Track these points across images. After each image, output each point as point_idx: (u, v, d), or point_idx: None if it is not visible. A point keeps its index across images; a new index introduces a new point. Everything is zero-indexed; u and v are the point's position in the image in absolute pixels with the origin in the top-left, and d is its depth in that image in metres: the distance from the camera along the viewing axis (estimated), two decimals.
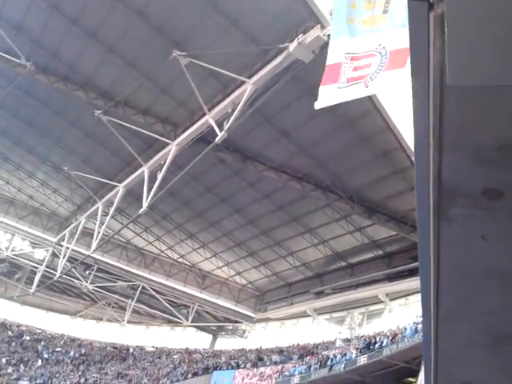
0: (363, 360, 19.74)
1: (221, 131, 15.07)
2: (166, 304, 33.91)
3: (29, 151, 25.98)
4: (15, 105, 22.23)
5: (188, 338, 37.35)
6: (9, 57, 17.27)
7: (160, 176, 18.40)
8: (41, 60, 17.68)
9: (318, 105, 6.60)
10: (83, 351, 35.70)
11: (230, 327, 36.34)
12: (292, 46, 13.08)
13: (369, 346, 20.97)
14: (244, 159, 20.04)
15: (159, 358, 35.03)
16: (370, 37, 6.21)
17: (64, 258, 28.16)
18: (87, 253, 26.24)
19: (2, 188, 31.29)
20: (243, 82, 15.06)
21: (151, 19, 15.36)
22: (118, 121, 18.53)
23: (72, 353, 35.18)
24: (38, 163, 26.90)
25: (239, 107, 14.75)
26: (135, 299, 33.94)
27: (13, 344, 34.37)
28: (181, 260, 32.97)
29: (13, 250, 33.01)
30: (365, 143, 17.84)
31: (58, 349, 35.49)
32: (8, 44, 16.57)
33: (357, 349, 21.52)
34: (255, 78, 14.68)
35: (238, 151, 19.51)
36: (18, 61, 17.19)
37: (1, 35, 16.34)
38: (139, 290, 33.88)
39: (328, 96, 6.46)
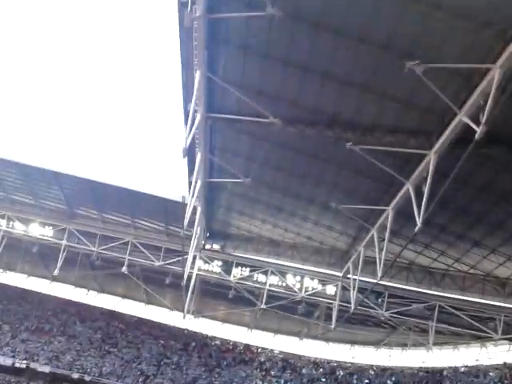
0: None
1: (478, 126, 13.76)
2: (469, 320, 31.80)
3: (296, 197, 27.69)
4: (275, 159, 24.08)
5: (503, 352, 34.17)
6: (259, 119, 18.84)
7: (426, 189, 17.68)
8: (285, 113, 18.81)
9: None
10: (394, 379, 35.56)
11: None
12: None
13: None
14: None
15: (476, 377, 32.80)
16: None
17: (354, 289, 28.92)
18: (374, 281, 26.39)
19: (283, 236, 33.98)
20: (488, 70, 13.62)
21: (374, 41, 15.12)
22: (370, 147, 18.61)
23: (387, 381, 35.45)
24: (307, 206, 28.35)
25: (491, 96, 13.31)
26: (435, 320, 32.73)
27: (325, 380, 36.19)
28: (472, 271, 30.77)
29: (306, 291, 35.23)
30: None
31: (367, 381, 36.08)
32: (255, 108, 18.13)
33: None
34: (500, 61, 13.14)
35: (502, 142, 17.50)
36: (267, 120, 18.63)
37: (248, 103, 17.96)
38: (436, 309, 32.60)
39: None
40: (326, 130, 19.64)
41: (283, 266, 36.39)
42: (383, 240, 23.08)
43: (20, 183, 37.91)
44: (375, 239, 24.58)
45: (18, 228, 40.13)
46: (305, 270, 35.96)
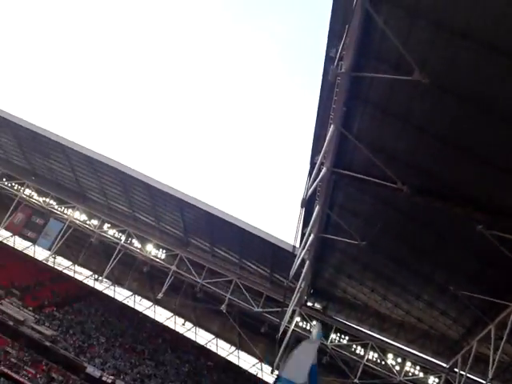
0: None
1: None
2: None
3: (412, 272, 26.01)
4: (396, 228, 22.86)
5: None
6: (386, 183, 18.00)
7: None
8: (415, 181, 17.82)
9: None
10: None
11: None
12: None
13: None
14: None
15: None
16: None
17: None
18: (484, 382, 23.89)
19: (390, 310, 31.98)
20: None
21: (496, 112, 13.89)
22: (502, 234, 16.97)
23: None
24: (422, 284, 26.52)
25: None
26: None
27: None
28: None
29: (405, 375, 32.75)
30: None
31: None
32: (384, 171, 17.36)
33: None
34: None
35: None
36: (394, 186, 17.74)
37: (377, 164, 17.25)
38: None
39: None
40: (457, 208, 18.25)
41: (385, 343, 34.25)
42: (501, 338, 20.91)
43: (146, 203, 39.98)
44: (492, 336, 22.35)
45: (135, 245, 42.15)
46: (408, 352, 33.54)
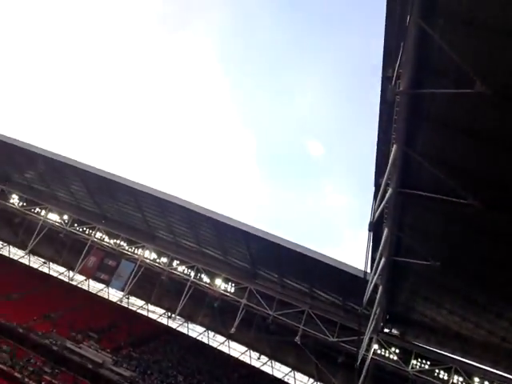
0: None
1: None
2: None
3: (492, 291, 24.69)
4: (471, 245, 21.89)
5: None
6: (456, 200, 17.37)
7: None
8: (487, 196, 17.10)
9: None
10: None
11: None
12: None
13: None
14: None
15: None
16: None
17: None
18: None
19: (472, 331, 30.40)
20: None
21: None
22: None
23: None
24: (504, 302, 25.11)
25: None
26: None
27: None
28: None
29: None
30: None
31: None
32: (453, 188, 16.78)
33: None
34: None
35: None
36: (465, 202, 17.09)
37: (445, 181, 16.71)
38: None
39: None
40: None
41: (470, 365, 32.57)
42: None
43: (213, 238, 40.44)
44: None
45: (204, 280, 42.54)
46: (495, 374, 31.71)
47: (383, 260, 23.42)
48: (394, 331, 35.37)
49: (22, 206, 48.63)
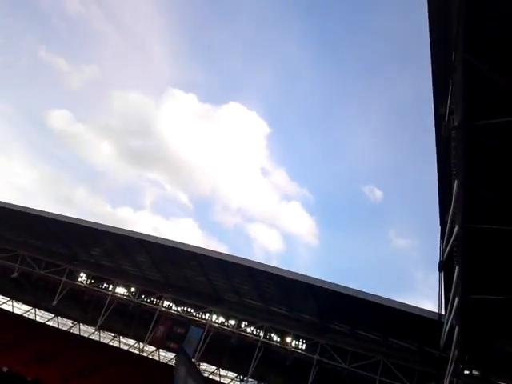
0: None
1: None
2: None
3: None
4: None
5: None
6: None
7: None
8: None
9: None
10: None
11: None
12: None
13: None
14: None
15: None
16: None
17: None
18: None
19: None
20: None
21: None
22: None
23: None
24: None
25: None
26: None
27: None
28: None
29: None
30: None
31: None
32: None
33: None
34: None
35: None
36: None
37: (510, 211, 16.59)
38: None
39: None
40: None
41: None
42: None
43: (277, 294, 40.44)
44: None
45: (274, 339, 42.23)
46: None
47: (457, 299, 22.84)
48: (475, 372, 33.76)
49: (90, 283, 50.07)
